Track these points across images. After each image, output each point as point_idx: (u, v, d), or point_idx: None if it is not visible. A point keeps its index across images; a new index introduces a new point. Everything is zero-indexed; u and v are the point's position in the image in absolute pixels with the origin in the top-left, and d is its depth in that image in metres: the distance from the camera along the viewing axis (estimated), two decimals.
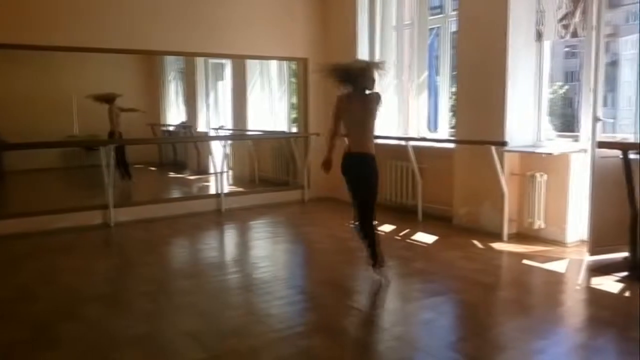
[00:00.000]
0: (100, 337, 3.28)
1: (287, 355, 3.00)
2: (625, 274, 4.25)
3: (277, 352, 3.04)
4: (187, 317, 3.61)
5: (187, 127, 9.09)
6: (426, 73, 6.85)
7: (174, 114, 9.36)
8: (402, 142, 6.52)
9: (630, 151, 4.32)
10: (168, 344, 3.18)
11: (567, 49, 6.98)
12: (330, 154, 4.31)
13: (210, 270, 4.69)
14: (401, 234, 5.78)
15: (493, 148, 5.32)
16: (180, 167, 9.33)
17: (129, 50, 6.58)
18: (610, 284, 4.09)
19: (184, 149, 9.23)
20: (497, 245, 5.21)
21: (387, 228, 6.00)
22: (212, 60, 8.78)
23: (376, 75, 4.12)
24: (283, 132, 8.48)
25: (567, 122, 6.32)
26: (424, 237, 5.57)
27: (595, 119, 4.54)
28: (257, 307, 3.79)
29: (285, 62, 8.20)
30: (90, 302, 3.86)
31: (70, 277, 4.47)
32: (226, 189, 7.49)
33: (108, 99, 7.90)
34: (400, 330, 3.41)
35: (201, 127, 8.95)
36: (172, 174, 9.37)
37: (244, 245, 5.86)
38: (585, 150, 5.02)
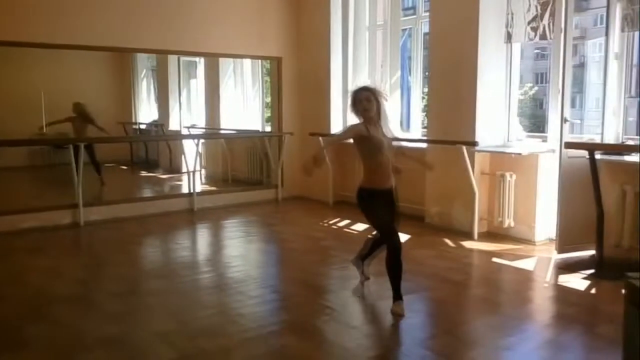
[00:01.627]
0: (68, 338, 3.22)
1: (259, 355, 2.99)
2: (591, 271, 4.35)
3: (249, 352, 3.03)
4: (157, 317, 3.57)
5: (159, 125, 8.97)
6: (399, 73, 6.90)
7: (146, 112, 9.23)
8: None
9: (596, 152, 4.43)
10: (138, 344, 3.13)
11: (537, 51, 7.09)
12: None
13: (182, 270, 4.64)
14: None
15: (464, 148, 5.40)
16: (152, 166, 9.21)
17: (100, 48, 6.46)
18: (577, 281, 4.18)
19: (155, 148, 9.12)
20: (467, 244, 5.29)
21: (360, 227, 6.03)
22: (184, 58, 8.69)
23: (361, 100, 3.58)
24: (257, 131, 8.45)
25: (537, 122, 6.43)
26: None
27: (563, 120, 4.64)
28: (229, 307, 3.77)
29: (259, 60, 8.17)
30: (58, 303, 3.78)
31: (39, 277, 4.37)
32: (199, 188, 7.43)
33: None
34: (372, 328, 3.43)
35: (173, 125, 8.86)
36: (143, 173, 9.24)
37: (216, 245, 5.82)
38: (553, 151, 5.12)
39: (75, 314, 3.61)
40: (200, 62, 8.81)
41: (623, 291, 2.09)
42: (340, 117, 7.37)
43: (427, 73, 6.30)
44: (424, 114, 6.57)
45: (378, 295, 4.11)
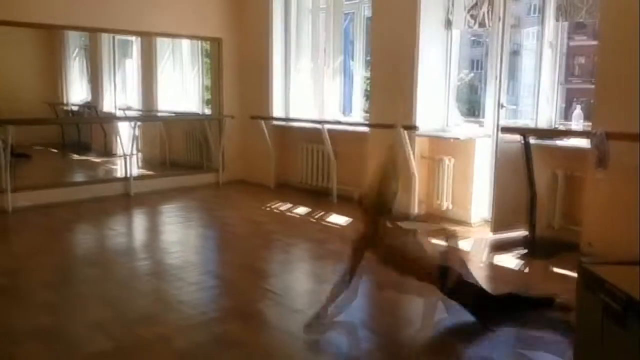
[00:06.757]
0: None
1: (201, 342, 2.93)
2: (524, 251, 4.53)
3: (191, 339, 2.96)
4: (93, 306, 3.44)
5: (92, 107, 8.59)
6: (341, 57, 6.90)
7: (77, 93, 8.82)
8: (318, 125, 6.54)
9: (530, 136, 4.59)
10: (72, 334, 3.01)
11: (472, 38, 7.22)
12: None
13: (118, 257, 4.49)
14: (316, 216, 5.82)
15: (405, 132, 5.46)
16: (84, 149, 8.82)
17: (28, 24, 6.07)
18: (511, 260, 4.35)
19: (88, 130, 8.74)
20: (407, 226, 5.37)
21: (302, 210, 6.03)
22: (118, 37, 8.34)
23: None
24: (196, 114, 8.26)
25: (471, 108, 6.57)
26: (338, 219, 5.65)
27: (499, 106, 4.77)
28: (169, 294, 3.68)
29: (198, 41, 7.96)
30: None
31: None
32: (135, 172, 7.19)
33: None
34: (315, 312, 3.43)
35: (107, 107, 8.51)
36: (75, 156, 8.85)
37: (154, 231, 5.67)
38: (489, 136, 5.27)
39: (3, 305, 3.42)
40: (136, 42, 8.48)
41: (576, 275, 2.12)
42: (282, 101, 7.31)
43: (368, 57, 6.33)
44: (365, 97, 6.61)
45: (320, 279, 4.13)
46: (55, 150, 8.69)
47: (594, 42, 4.91)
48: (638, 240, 3.61)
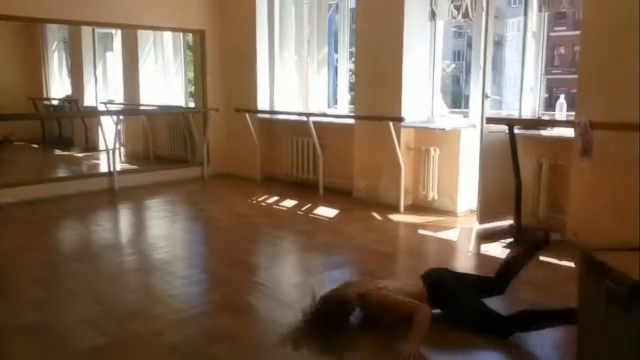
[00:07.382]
0: None
1: (193, 336, 2.93)
2: (510, 240, 4.59)
3: (183, 333, 2.96)
4: (83, 302, 3.41)
5: (73, 101, 8.48)
6: (325, 49, 6.88)
7: (58, 87, 8.69)
8: (303, 118, 6.53)
9: (515, 126, 4.63)
10: (64, 331, 2.98)
11: (454, 29, 7.26)
12: None
13: (106, 253, 4.45)
14: (303, 208, 5.83)
15: (390, 123, 5.49)
16: (66, 144, 8.70)
17: (6, 17, 5.96)
18: (498, 249, 4.40)
19: (70, 125, 8.62)
20: (394, 217, 5.42)
21: (289, 203, 6.03)
22: (99, 30, 8.22)
23: None
24: (180, 107, 8.19)
25: (454, 98, 6.63)
26: (326, 211, 5.66)
27: (484, 96, 4.81)
28: (158, 289, 3.66)
29: (181, 33, 7.88)
30: None
31: None
32: (119, 166, 7.12)
33: None
34: (304, 304, 3.44)
35: (88, 101, 8.40)
36: (57, 152, 8.73)
37: (140, 225, 5.62)
38: (474, 126, 5.31)
39: None
40: (117, 34, 8.37)
41: (574, 265, 2.11)
42: (267, 93, 7.28)
43: (353, 49, 6.32)
44: (351, 89, 6.61)
45: (309, 270, 4.15)
46: (36, 146, 8.57)
47: (573, 32, 4.97)
48: (638, 227, 3.64)
